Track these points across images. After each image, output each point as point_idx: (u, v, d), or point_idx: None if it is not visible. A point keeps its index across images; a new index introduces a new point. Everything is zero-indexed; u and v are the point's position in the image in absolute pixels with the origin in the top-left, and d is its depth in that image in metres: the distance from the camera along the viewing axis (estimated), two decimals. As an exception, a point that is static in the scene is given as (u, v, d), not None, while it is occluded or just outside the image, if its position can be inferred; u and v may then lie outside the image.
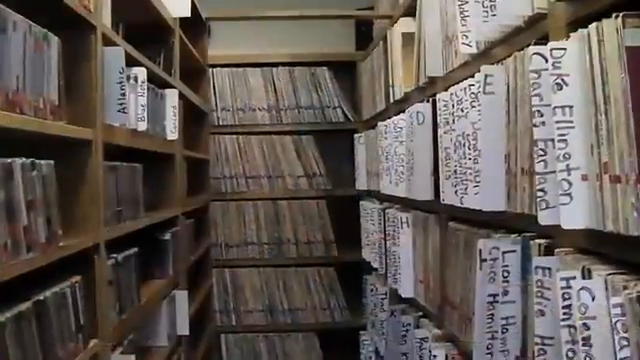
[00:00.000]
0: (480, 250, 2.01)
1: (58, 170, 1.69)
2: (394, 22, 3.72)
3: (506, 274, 1.85)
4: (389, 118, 3.67)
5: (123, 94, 2.08)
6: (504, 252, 1.85)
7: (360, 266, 4.86)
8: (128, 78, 2.33)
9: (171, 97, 3.02)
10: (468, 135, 2.19)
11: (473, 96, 2.16)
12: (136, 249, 2.40)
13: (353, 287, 5.05)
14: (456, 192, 2.34)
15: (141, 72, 2.39)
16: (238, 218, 5.10)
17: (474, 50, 2.25)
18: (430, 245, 3.00)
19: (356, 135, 4.90)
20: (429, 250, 3.02)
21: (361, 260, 4.72)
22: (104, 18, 2.13)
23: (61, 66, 1.72)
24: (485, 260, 1.98)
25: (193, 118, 4.52)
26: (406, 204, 3.41)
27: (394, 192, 3.54)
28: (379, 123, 3.93)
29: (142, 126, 2.41)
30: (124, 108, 2.08)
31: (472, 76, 2.22)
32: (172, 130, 3.02)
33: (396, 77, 3.64)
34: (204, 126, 4.88)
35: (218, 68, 5.13)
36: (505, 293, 1.85)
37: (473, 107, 2.15)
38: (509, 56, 1.94)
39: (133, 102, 2.35)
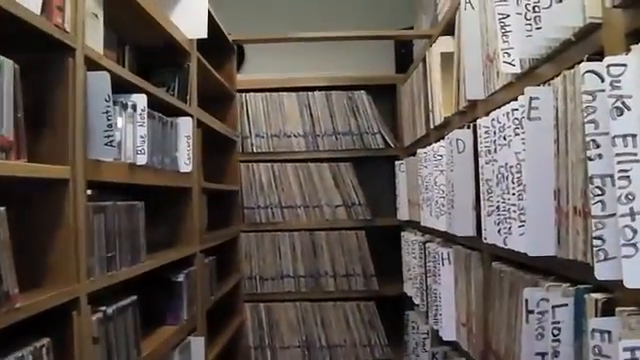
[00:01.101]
0: (526, 300, 1.74)
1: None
2: (433, 41, 3.46)
3: (556, 332, 1.56)
4: (429, 145, 3.42)
5: (110, 125, 1.84)
6: (554, 306, 1.57)
7: (402, 300, 4.59)
8: (125, 106, 2.10)
9: (184, 126, 2.78)
10: (511, 167, 1.92)
11: (517, 122, 1.89)
12: (134, 297, 2.15)
13: (394, 323, 4.77)
14: (499, 231, 2.07)
15: (140, 99, 2.16)
16: (273, 250, 4.86)
17: (517, 70, 1.99)
18: (473, 285, 2.72)
19: (397, 162, 4.65)
20: (472, 290, 2.74)
21: (403, 294, 4.45)
22: (88, 39, 1.88)
23: (19, 95, 1.48)
24: (532, 312, 1.71)
25: (218, 147, 4.29)
26: (448, 238, 3.14)
27: (434, 225, 3.27)
28: (419, 150, 3.67)
29: (141, 159, 2.17)
30: (111, 141, 1.84)
31: (516, 99, 1.96)
32: (186, 162, 2.78)
33: (436, 101, 3.38)
34: (231, 154, 4.67)
35: (252, 93, 4.92)
36: (555, 354, 1.57)
37: (517, 135, 1.88)
38: (557, 75, 1.67)
39: (130, 133, 2.12)
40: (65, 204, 1.73)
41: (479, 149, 2.34)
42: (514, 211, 1.90)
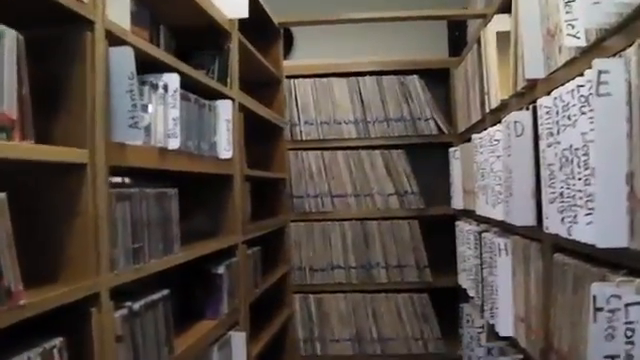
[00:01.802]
0: (594, 297, 1.57)
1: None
2: (488, 20, 3.28)
3: (630, 333, 1.39)
4: (485, 130, 3.24)
5: (135, 105, 1.70)
6: (628, 304, 1.40)
7: (456, 293, 4.42)
8: (156, 87, 1.97)
9: (224, 109, 2.64)
10: (577, 149, 1.75)
11: (583, 99, 1.71)
12: (166, 291, 2.01)
13: (448, 315, 4.60)
14: (563, 220, 1.89)
15: (172, 79, 2.02)
16: (323, 240, 4.72)
17: (582, 42, 1.81)
18: (532, 278, 2.55)
19: (451, 149, 4.46)
20: (531, 284, 2.57)
21: (457, 286, 4.28)
22: (111, 13, 1.73)
23: (24, 69, 1.34)
24: (601, 310, 1.54)
25: (264, 134, 4.16)
26: (505, 228, 2.96)
27: (490, 214, 3.10)
28: (473, 136, 3.49)
29: (174, 144, 2.04)
30: (136, 123, 1.70)
31: (581, 75, 1.79)
32: (226, 148, 2.65)
33: (491, 83, 3.20)
34: (278, 142, 4.53)
35: (300, 79, 4.78)
36: (629, 358, 1.40)
37: (583, 114, 1.70)
38: (630, 45, 1.49)
39: (162, 116, 1.99)
40: (83, 191, 1.59)
41: (540, 131, 2.17)
42: (580, 198, 1.72)
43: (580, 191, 1.72)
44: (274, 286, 3.95)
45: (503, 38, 2.97)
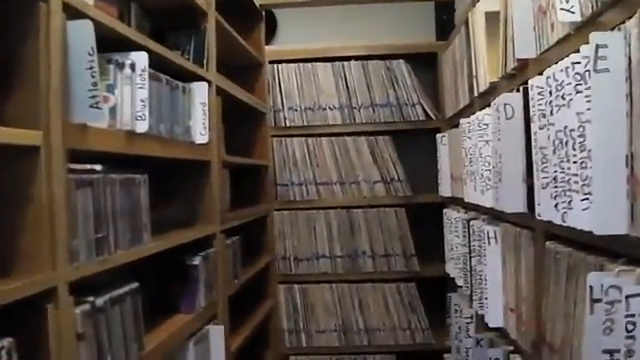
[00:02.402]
0: (591, 287, 1.46)
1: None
2: (476, 1, 3.17)
3: (631, 327, 1.29)
4: (473, 114, 3.14)
5: (95, 84, 1.57)
6: (628, 296, 1.30)
7: (444, 282, 4.33)
8: (122, 66, 1.85)
9: (200, 92, 2.52)
10: (572, 130, 1.64)
11: (578, 77, 1.60)
12: (134, 285, 1.89)
13: (436, 305, 4.52)
14: (556, 205, 1.79)
15: (141, 58, 1.90)
16: (308, 229, 4.61)
17: (577, 17, 1.70)
18: (523, 267, 2.45)
19: (438, 135, 4.35)
20: (521, 273, 2.47)
21: (445, 275, 4.18)
22: None
23: None
24: (598, 301, 1.44)
25: (246, 119, 4.03)
26: (495, 215, 2.86)
27: (479, 201, 2.99)
28: (462, 120, 3.38)
29: (142, 127, 1.91)
30: (97, 103, 1.58)
31: (577, 51, 1.68)
32: (202, 132, 2.53)
33: (480, 65, 3.09)
34: (260, 128, 4.42)
35: (284, 64, 4.66)
36: (629, 354, 1.30)
37: (579, 92, 1.60)
38: (629, 18, 1.39)
39: (128, 96, 1.87)
40: (37, 176, 1.46)
41: (531, 113, 2.06)
42: (576, 182, 1.62)
43: (575, 175, 1.62)
44: (256, 277, 3.84)
45: (492, 19, 2.86)
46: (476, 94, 3.22)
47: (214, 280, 2.75)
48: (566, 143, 1.69)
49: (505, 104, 2.36)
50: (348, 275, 4.60)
